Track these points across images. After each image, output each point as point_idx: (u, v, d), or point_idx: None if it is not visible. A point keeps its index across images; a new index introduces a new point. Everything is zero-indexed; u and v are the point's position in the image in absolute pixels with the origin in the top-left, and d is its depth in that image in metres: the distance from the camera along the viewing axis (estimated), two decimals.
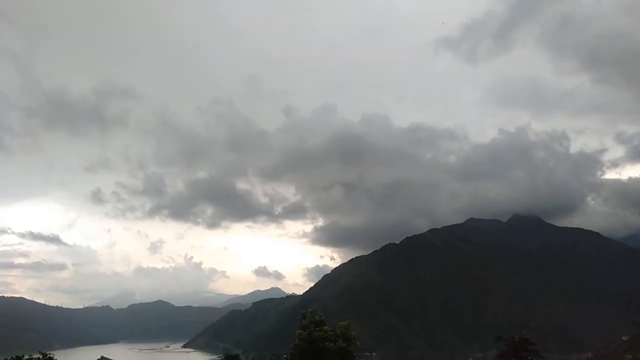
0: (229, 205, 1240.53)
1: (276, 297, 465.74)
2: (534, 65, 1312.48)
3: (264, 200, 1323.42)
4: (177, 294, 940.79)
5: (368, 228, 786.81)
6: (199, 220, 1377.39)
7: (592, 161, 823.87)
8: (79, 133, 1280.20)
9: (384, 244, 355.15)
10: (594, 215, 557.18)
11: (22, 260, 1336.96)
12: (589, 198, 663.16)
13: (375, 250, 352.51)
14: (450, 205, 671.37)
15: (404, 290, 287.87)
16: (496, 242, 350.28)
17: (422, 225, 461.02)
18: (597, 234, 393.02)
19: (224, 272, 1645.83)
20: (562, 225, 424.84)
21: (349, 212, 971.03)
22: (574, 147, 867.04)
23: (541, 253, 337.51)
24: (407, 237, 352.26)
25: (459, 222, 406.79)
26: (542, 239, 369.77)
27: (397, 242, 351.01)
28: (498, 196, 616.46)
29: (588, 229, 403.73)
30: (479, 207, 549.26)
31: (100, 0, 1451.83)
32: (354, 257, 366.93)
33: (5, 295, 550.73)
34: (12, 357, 58.61)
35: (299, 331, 39.11)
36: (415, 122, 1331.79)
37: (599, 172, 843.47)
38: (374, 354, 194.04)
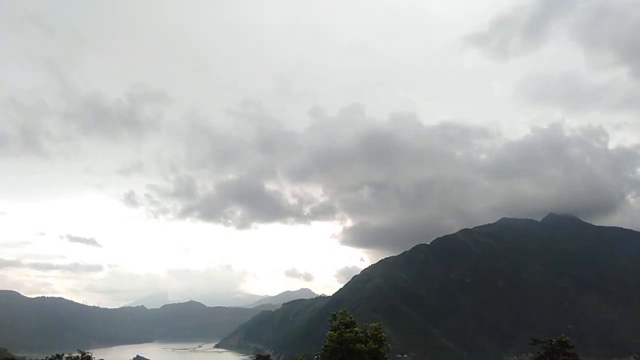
0: (259, 206, 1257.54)
1: (306, 298, 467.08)
2: (567, 59, 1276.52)
3: (292, 201, 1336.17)
4: (209, 294, 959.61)
5: (398, 228, 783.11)
6: (229, 221, 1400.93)
7: (631, 157, 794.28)
8: (114, 137, 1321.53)
9: (414, 245, 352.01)
10: (635, 213, 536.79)
11: (60, 262, 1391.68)
12: (628, 196, 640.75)
13: (405, 251, 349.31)
14: (483, 205, 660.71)
15: (434, 292, 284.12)
16: (531, 242, 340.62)
17: (453, 225, 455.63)
18: (638, 233, 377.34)
19: (254, 273, 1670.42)
20: (600, 224, 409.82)
21: (378, 213, 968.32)
22: (612, 143, 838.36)
23: (578, 253, 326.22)
24: (438, 238, 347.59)
25: (492, 222, 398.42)
26: (580, 238, 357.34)
27: (428, 243, 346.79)
28: (532, 194, 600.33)
29: (628, 227, 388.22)
30: (513, 206, 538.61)
31: (132, 8, 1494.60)
32: (383, 257, 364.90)
33: (46, 296, 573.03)
34: (53, 356, 60.57)
35: (330, 332, 38.92)
36: (445, 120, 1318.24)
37: (639, 169, 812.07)
38: (405, 355, 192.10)
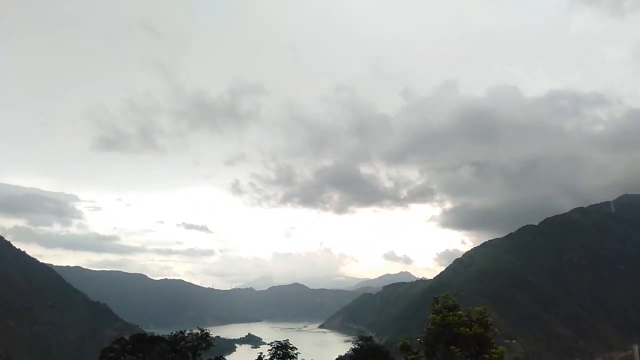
0: (355, 190, 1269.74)
1: (406, 281, 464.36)
2: None
3: (388, 184, 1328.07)
4: (311, 277, 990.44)
5: (502, 209, 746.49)
6: (327, 206, 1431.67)
7: None
8: (219, 130, 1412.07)
9: (520, 226, 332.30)
10: None
11: (178, 247, 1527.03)
12: None
13: (511, 233, 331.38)
14: (600, 181, 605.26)
15: (545, 275, 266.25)
16: None
17: (565, 205, 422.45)
18: None
19: (353, 256, 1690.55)
20: None
21: (480, 193, 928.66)
22: None
23: None
24: (548, 218, 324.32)
25: (611, 199, 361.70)
26: None
27: (536, 224, 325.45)
28: None
29: None
30: (637, 181, 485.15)
31: (225, 7, 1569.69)
32: (487, 240, 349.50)
33: (168, 278, 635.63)
34: (177, 332, 67.82)
35: (432, 315, 38.98)
36: (553, 90, 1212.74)
37: None
38: (514, 341, 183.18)
